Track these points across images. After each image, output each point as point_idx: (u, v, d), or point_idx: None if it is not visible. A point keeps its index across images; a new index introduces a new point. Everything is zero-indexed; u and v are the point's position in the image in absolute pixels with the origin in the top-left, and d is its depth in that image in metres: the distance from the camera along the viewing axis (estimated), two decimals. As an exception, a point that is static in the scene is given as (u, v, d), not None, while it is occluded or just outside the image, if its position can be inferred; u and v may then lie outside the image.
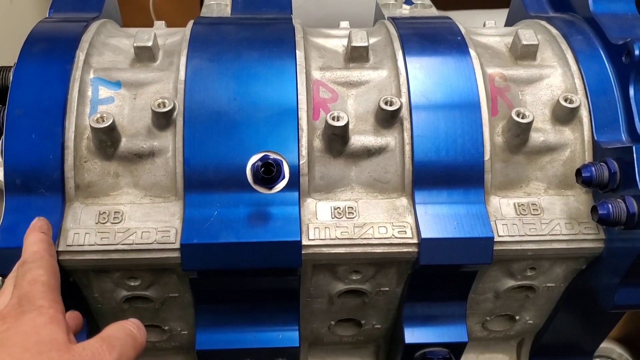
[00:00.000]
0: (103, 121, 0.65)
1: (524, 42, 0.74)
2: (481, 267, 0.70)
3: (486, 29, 0.84)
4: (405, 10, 0.89)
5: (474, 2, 1.63)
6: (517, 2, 0.91)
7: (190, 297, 0.72)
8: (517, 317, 0.81)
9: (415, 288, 0.72)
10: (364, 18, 1.26)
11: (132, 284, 0.69)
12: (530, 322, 0.82)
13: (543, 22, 0.82)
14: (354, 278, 0.71)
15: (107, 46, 0.75)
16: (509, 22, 0.93)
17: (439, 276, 0.71)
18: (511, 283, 0.74)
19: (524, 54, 0.75)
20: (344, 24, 0.87)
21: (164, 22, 0.85)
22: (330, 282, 0.72)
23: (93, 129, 0.65)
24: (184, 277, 0.69)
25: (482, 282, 0.74)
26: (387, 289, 0.73)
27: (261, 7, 0.84)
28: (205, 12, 0.86)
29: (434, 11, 0.89)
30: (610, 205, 0.61)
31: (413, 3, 0.90)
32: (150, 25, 0.84)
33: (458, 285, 0.72)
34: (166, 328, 0.77)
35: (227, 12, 0.85)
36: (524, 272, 0.73)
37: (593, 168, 0.64)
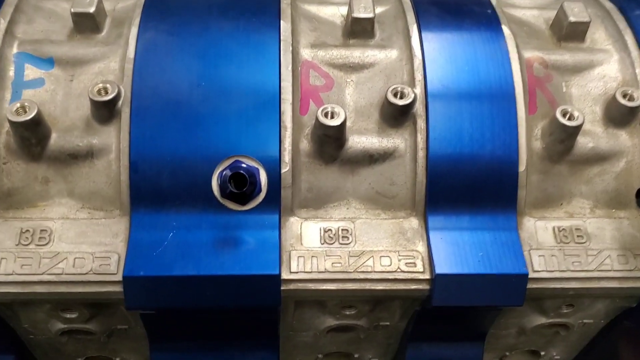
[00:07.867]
0: (25, 112, 0.51)
1: (571, 19, 0.61)
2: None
3: (520, -2, 0.68)
4: (420, -28, 0.73)
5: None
6: (557, -36, 0.75)
7: (144, 329, 0.58)
8: (543, 353, 0.70)
9: (423, 326, 0.59)
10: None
11: (68, 316, 0.57)
12: (558, 357, 0.70)
13: (592, -8, 0.66)
14: (348, 313, 0.58)
15: (41, 11, 0.60)
16: (545, -10, 0.77)
17: (454, 315, 0.57)
18: (542, 320, 0.62)
19: (570, 33, 0.62)
20: (344, -13, 0.71)
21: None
22: (318, 316, 0.60)
23: (12, 123, 0.50)
24: (133, 309, 0.55)
25: (505, 317, 0.61)
26: (388, 323, 0.61)
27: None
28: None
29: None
30: (685, 242, 0.47)
31: (429, -37, 0.73)
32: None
33: (476, 324, 0.60)
34: (117, 360, 0.64)
35: (198, -32, 0.69)
36: (558, 309, 0.60)
37: (662, 189, 0.50)
